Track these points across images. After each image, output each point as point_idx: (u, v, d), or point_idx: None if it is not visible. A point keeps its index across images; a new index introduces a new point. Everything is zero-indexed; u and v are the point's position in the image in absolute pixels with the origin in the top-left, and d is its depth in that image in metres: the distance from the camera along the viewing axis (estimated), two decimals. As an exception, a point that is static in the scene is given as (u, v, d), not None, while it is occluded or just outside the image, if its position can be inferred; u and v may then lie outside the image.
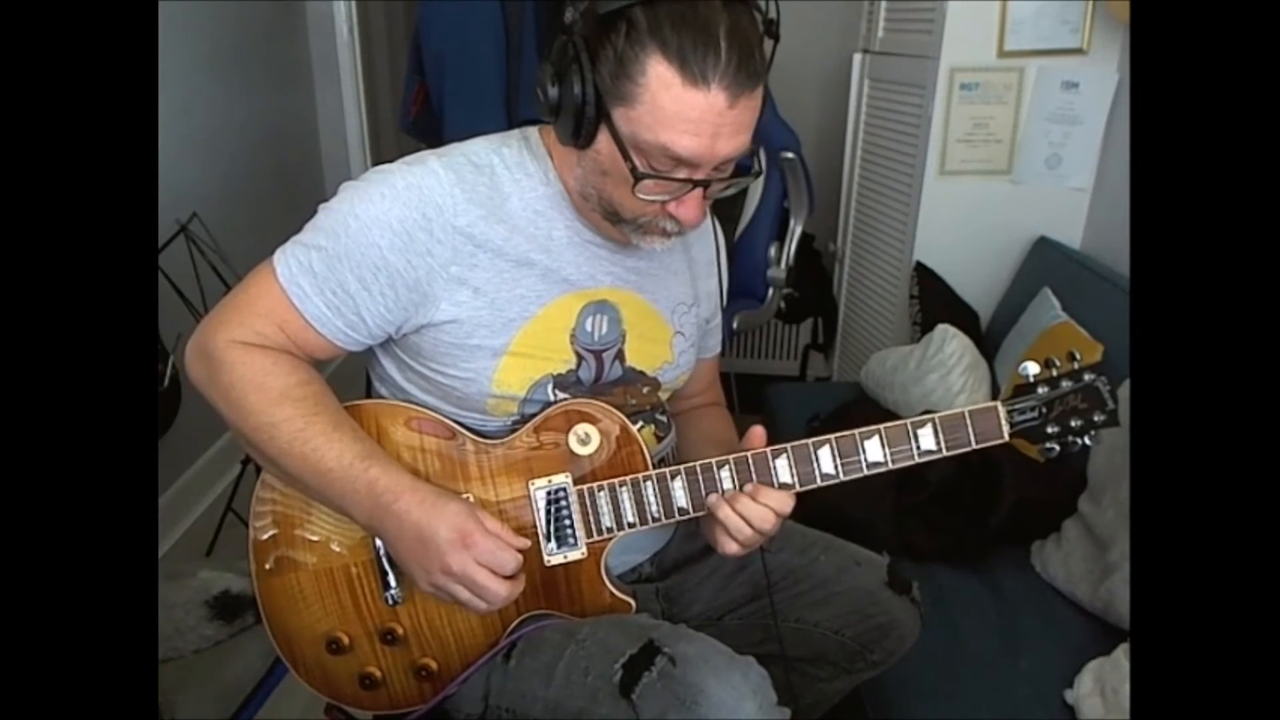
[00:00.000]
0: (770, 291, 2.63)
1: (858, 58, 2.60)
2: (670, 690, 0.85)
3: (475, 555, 0.86)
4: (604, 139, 0.86)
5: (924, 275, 2.27)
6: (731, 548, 0.95)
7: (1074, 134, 2.11)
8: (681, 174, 0.86)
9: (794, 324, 3.18)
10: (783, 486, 0.95)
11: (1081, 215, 2.19)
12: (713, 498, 0.95)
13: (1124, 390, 1.50)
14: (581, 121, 0.85)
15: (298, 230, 0.95)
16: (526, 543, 0.92)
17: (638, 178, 0.85)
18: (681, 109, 0.81)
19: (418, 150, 0.96)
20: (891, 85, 2.41)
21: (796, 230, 2.59)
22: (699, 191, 0.88)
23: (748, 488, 0.94)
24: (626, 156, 0.85)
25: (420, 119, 2.46)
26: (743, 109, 0.83)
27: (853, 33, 2.71)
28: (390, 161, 0.94)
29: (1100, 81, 2.06)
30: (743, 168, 0.91)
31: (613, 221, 0.93)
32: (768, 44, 0.86)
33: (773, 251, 2.59)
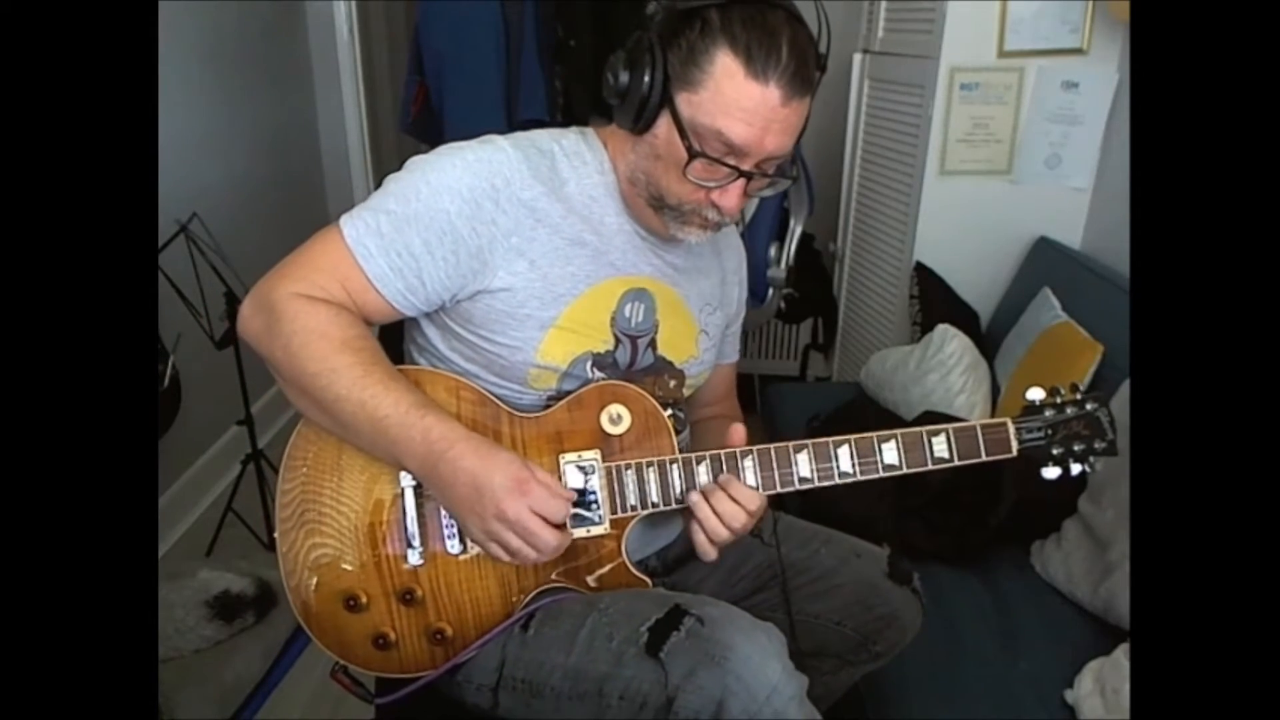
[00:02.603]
0: (770, 291, 2.63)
1: (858, 58, 2.60)
2: (699, 647, 0.87)
3: (529, 502, 0.88)
4: (663, 124, 0.93)
5: (924, 275, 2.27)
6: (701, 539, 0.98)
7: (1074, 134, 2.11)
8: (730, 161, 0.92)
9: (794, 324, 3.18)
10: (802, 480, 1.00)
11: (1081, 215, 2.19)
12: (694, 495, 0.98)
13: (1124, 390, 1.51)
14: (646, 105, 0.92)
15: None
16: (574, 494, 0.96)
17: (692, 156, 0.91)
18: (740, 97, 0.88)
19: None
20: (891, 85, 2.41)
21: (796, 230, 2.60)
22: (741, 183, 0.94)
23: (720, 478, 0.98)
24: (684, 135, 0.91)
25: (420, 119, 2.46)
26: (793, 111, 0.91)
27: (853, 33, 2.71)
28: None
29: (1100, 81, 2.06)
30: (782, 171, 0.97)
31: (656, 208, 0.98)
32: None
33: (773, 251, 2.59)
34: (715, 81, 0.89)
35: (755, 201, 2.59)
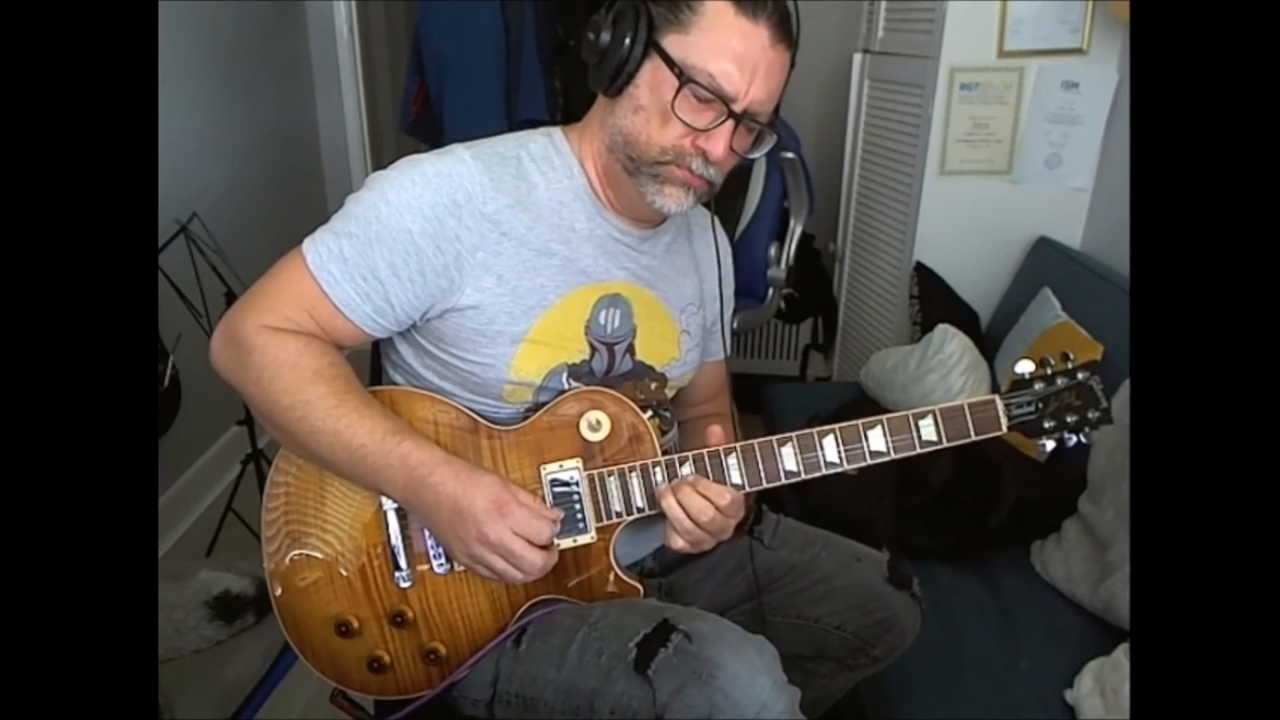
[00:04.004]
0: (770, 291, 2.63)
1: (858, 58, 2.60)
2: (687, 665, 0.86)
3: (511, 524, 0.88)
4: (646, 72, 0.92)
5: (924, 275, 2.27)
6: (676, 542, 0.97)
7: (1074, 134, 2.11)
8: (717, 104, 0.91)
9: (794, 324, 3.17)
10: (789, 474, 0.98)
11: (1081, 215, 2.19)
12: (661, 488, 0.97)
13: (1124, 390, 1.51)
14: (630, 56, 0.91)
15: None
16: (560, 513, 0.94)
17: (683, 83, 0.89)
18: (730, 37, 0.89)
19: (418, 151, 0.97)
20: (891, 85, 2.41)
21: (796, 230, 2.59)
22: (729, 128, 0.92)
23: (689, 477, 0.96)
24: (673, 66, 0.90)
25: (420, 119, 2.46)
26: (779, 55, 0.92)
27: (853, 33, 2.71)
28: (391, 162, 0.96)
29: (1100, 81, 2.06)
30: (771, 126, 0.96)
31: (631, 173, 0.95)
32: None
33: (773, 251, 2.59)
34: (707, 19, 0.89)
35: (755, 201, 2.59)
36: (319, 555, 0.99)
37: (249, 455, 2.21)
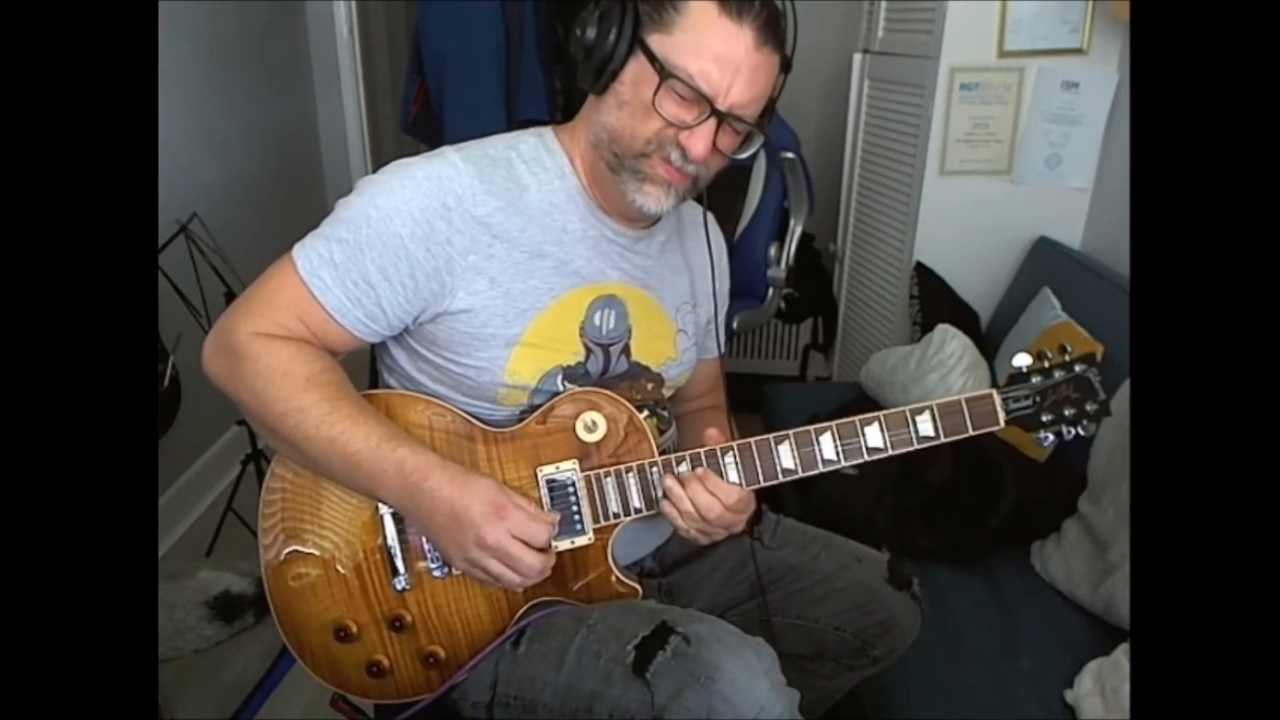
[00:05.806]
0: (770, 291, 2.63)
1: (858, 58, 2.60)
2: (685, 668, 0.86)
3: (509, 527, 0.88)
4: (630, 69, 0.92)
5: (924, 275, 2.27)
6: (689, 531, 0.98)
7: (1074, 134, 2.11)
8: (700, 103, 0.90)
9: (794, 324, 3.18)
10: (786, 472, 0.99)
11: (1081, 215, 2.19)
12: (669, 480, 0.97)
13: (1124, 390, 1.51)
14: (614, 53, 0.91)
15: (298, 230, 0.96)
16: (557, 516, 0.95)
17: (664, 78, 0.89)
18: (713, 38, 0.88)
19: (418, 151, 0.98)
20: (891, 85, 2.41)
21: (796, 230, 2.59)
22: (710, 126, 0.91)
23: (699, 471, 0.97)
24: (655, 63, 0.89)
25: (420, 119, 2.46)
26: (764, 59, 0.90)
27: (853, 33, 2.71)
28: (391, 162, 0.96)
29: (1100, 81, 2.06)
30: (754, 131, 0.96)
31: (615, 170, 0.95)
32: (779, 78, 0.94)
33: (773, 251, 2.59)
34: (690, 20, 0.88)
35: (755, 201, 2.59)
36: (315, 558, 0.98)
37: (249, 455, 2.21)
